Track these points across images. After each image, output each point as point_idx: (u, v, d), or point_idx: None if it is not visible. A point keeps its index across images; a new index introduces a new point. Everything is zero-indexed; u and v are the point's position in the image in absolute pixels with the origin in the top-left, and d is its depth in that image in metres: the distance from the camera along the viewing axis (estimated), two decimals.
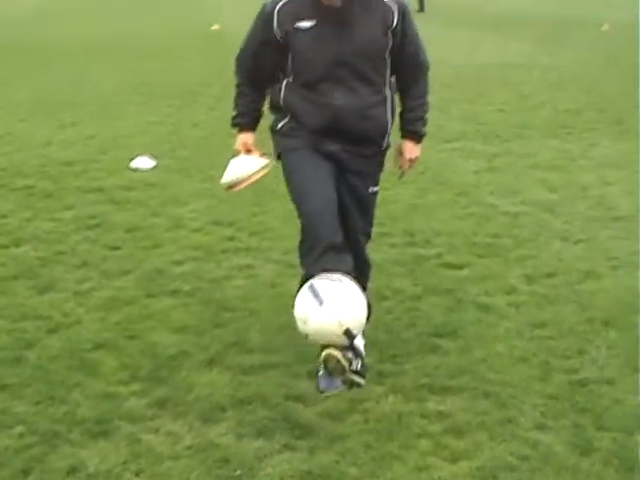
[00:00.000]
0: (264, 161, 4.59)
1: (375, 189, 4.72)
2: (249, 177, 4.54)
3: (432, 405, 4.33)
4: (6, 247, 6.78)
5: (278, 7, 4.42)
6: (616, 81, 15.39)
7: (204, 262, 6.37)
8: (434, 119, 11.64)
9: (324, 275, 4.12)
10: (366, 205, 4.71)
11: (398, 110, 4.70)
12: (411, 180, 8.51)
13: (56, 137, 10.82)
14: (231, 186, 4.58)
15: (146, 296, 5.75)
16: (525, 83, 15.61)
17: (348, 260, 4.37)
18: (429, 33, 22.98)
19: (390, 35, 4.41)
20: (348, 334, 3.98)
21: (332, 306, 3.97)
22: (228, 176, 4.56)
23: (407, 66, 4.57)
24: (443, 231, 7.08)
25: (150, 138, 10.47)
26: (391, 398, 4.40)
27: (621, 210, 7.71)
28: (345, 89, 4.42)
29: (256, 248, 6.62)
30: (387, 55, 4.46)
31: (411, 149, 4.75)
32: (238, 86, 4.68)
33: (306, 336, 4.08)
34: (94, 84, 15.34)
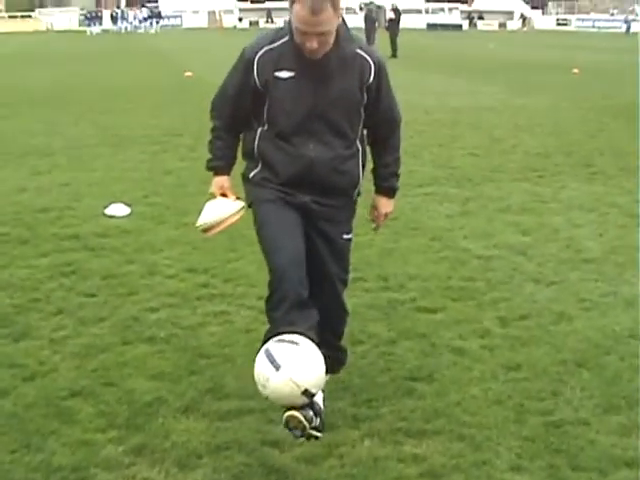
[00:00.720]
0: (239, 204, 4.56)
1: (348, 236, 4.73)
2: (224, 220, 4.50)
3: (408, 448, 4.36)
4: None
5: (259, 55, 4.40)
6: (584, 124, 15.61)
7: (179, 309, 6.37)
8: (407, 165, 11.76)
9: (281, 337, 4.13)
10: (340, 252, 4.71)
11: (369, 162, 4.72)
12: (385, 225, 8.58)
13: (30, 184, 10.80)
14: (206, 229, 4.52)
15: (122, 343, 5.74)
16: (496, 126, 15.81)
17: (313, 315, 4.39)
18: (401, 78, 23.39)
19: (365, 90, 4.43)
20: (307, 394, 4.00)
21: (289, 370, 3.97)
22: (203, 219, 4.50)
23: (381, 121, 4.61)
24: (417, 275, 7.12)
25: (124, 185, 10.49)
26: (367, 442, 4.42)
27: (591, 252, 7.81)
28: (319, 142, 4.41)
29: (231, 294, 6.64)
30: (362, 110, 4.48)
31: (386, 204, 4.87)
32: (213, 130, 4.66)
33: (266, 398, 4.10)
34: (66, 132, 15.37)
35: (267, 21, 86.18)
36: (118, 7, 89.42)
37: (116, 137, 14.46)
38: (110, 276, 7.13)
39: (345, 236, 4.70)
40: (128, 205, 9.25)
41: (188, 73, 25.77)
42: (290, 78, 4.35)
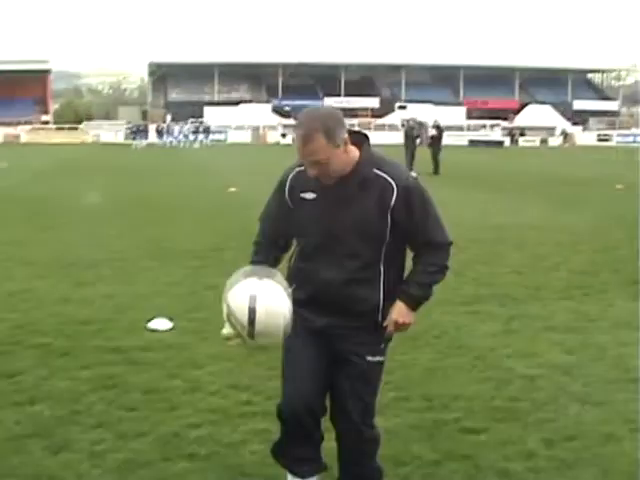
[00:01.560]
0: None
1: (375, 359, 4.69)
2: (238, 334, 4.50)
3: None
4: (21, 405, 6.73)
5: (291, 176, 4.62)
6: (630, 241, 15.49)
7: (221, 426, 6.28)
8: (449, 282, 11.72)
9: None
10: (362, 374, 4.68)
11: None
12: (428, 344, 8.55)
13: (73, 295, 10.88)
14: (228, 338, 4.58)
15: (162, 459, 5.68)
16: (540, 244, 15.74)
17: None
18: (443, 195, 23.50)
19: (389, 213, 4.43)
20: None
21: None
22: (225, 329, 4.57)
23: (419, 244, 4.59)
24: (461, 395, 7.01)
25: (167, 299, 10.51)
26: None
27: (638, 371, 7.66)
28: (334, 264, 4.50)
29: (272, 412, 6.50)
30: (386, 233, 4.46)
31: (399, 310, 4.62)
32: (254, 243, 4.84)
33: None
34: (110, 245, 15.51)
35: None
36: (164, 121, 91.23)
37: (159, 250, 14.56)
38: (151, 391, 7.08)
39: (370, 358, 4.66)
40: (171, 319, 9.25)
41: (232, 189, 26.05)
42: (313, 200, 4.52)
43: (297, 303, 4.50)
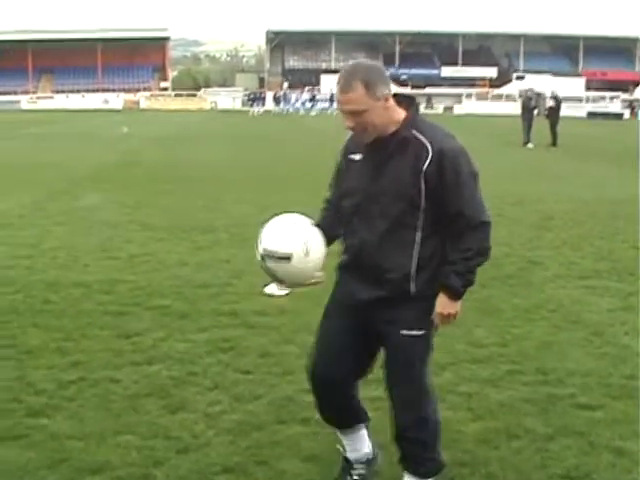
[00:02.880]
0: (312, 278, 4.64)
1: (410, 332, 4.51)
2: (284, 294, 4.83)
3: None
4: (139, 365, 6.91)
5: (347, 139, 4.67)
6: None
7: None
8: (566, 256, 11.57)
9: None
10: (398, 348, 4.59)
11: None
12: (543, 317, 8.46)
13: (191, 259, 11.07)
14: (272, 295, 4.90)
15: (276, 422, 5.76)
16: None
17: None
18: (561, 168, 23.16)
19: (423, 177, 4.30)
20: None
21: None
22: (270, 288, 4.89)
23: (448, 216, 4.37)
24: (576, 371, 6.92)
25: None
26: None
27: None
28: (369, 226, 4.45)
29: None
30: (422, 198, 4.32)
31: (442, 303, 4.46)
32: (325, 203, 4.92)
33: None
34: (228, 209, 15.73)
35: (427, 107, 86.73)
36: (281, 89, 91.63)
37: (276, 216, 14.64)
38: (267, 354, 7.19)
39: (405, 332, 4.51)
40: None
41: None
42: (359, 161, 4.51)
43: (339, 268, 4.67)
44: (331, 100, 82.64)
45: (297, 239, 4.50)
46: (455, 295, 4.44)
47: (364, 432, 5.01)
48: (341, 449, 5.01)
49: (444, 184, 4.28)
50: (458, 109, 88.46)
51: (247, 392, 6.29)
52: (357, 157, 4.52)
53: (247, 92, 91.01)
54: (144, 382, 6.49)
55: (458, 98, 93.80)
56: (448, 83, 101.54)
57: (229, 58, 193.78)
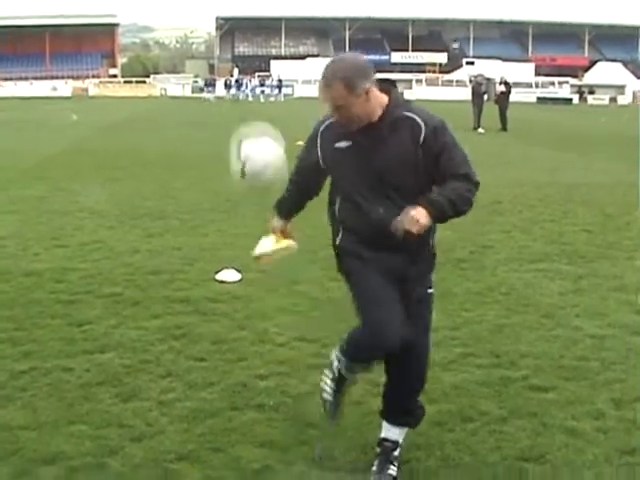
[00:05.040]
0: (285, 243, 5.24)
1: (431, 290, 4.91)
2: (270, 254, 5.26)
3: None
4: (91, 353, 6.85)
5: (321, 129, 4.83)
6: None
7: (289, 377, 6.32)
8: (517, 240, 11.67)
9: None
10: (424, 305, 4.90)
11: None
12: (496, 301, 8.51)
13: (142, 246, 11.00)
14: (258, 258, 5.31)
15: (230, 409, 5.73)
16: (609, 203, 15.51)
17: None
18: (511, 152, 23.37)
19: (420, 150, 4.54)
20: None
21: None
22: (256, 250, 5.29)
23: (447, 176, 4.58)
24: (529, 353, 6.97)
25: (235, 251, 10.54)
26: None
27: None
28: (383, 201, 4.63)
29: None
30: (421, 169, 4.57)
31: (418, 210, 4.44)
32: (289, 182, 5.16)
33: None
34: (179, 196, 15.67)
35: None
36: (231, 75, 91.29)
37: (228, 203, 14.61)
38: (220, 341, 7.15)
39: (429, 290, 4.90)
40: (239, 271, 9.31)
41: (299, 142, 25.96)
42: (348, 147, 4.67)
43: (356, 242, 4.76)
44: (279, 87, 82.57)
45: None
46: (431, 208, 4.47)
47: None
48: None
49: (444, 152, 4.55)
50: (408, 94, 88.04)
51: (200, 379, 6.26)
52: (344, 144, 4.68)
53: (197, 78, 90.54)
54: (96, 370, 6.43)
55: (409, 84, 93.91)
56: (398, 69, 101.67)
57: (179, 45, 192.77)
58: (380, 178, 4.62)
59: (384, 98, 4.63)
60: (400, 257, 4.71)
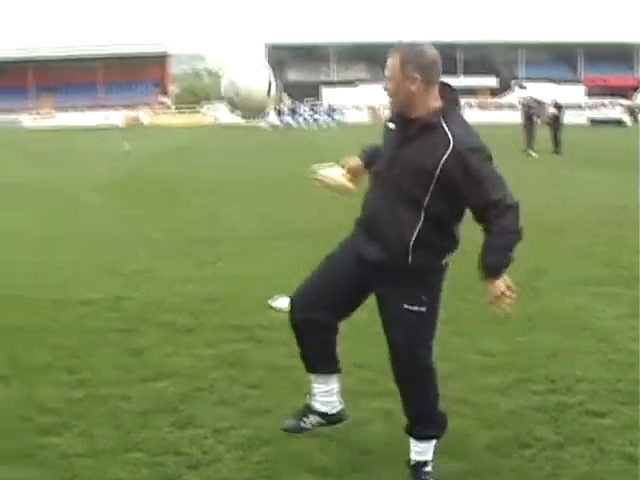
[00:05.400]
0: (347, 183, 5.33)
1: (412, 308, 4.82)
2: (330, 181, 5.34)
3: None
4: (147, 381, 6.89)
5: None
6: None
7: (345, 404, 6.31)
8: (572, 263, 11.54)
9: None
10: (399, 320, 4.89)
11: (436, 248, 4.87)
12: (551, 325, 8.44)
13: (195, 274, 11.06)
14: (317, 176, 5.35)
15: (285, 436, 5.70)
16: None
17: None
18: (564, 175, 23.07)
19: (439, 168, 4.56)
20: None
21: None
22: (322, 170, 5.38)
23: (480, 207, 4.66)
24: (585, 378, 6.89)
25: (290, 279, 10.49)
26: None
27: None
28: (384, 192, 4.80)
29: (396, 392, 6.50)
30: (433, 184, 4.60)
31: (488, 289, 4.74)
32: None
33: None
34: (230, 223, 15.73)
35: None
36: (281, 102, 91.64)
37: (282, 230, 14.67)
38: (274, 369, 7.15)
39: (406, 306, 4.82)
40: None
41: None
42: (392, 130, 4.89)
43: (355, 222, 5.11)
44: (330, 113, 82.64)
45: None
46: (494, 273, 4.67)
47: (335, 386, 5.40)
48: (308, 396, 5.45)
49: (466, 179, 4.55)
50: None
51: (255, 406, 6.26)
52: (391, 126, 4.90)
53: None
54: (152, 398, 6.47)
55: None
56: None
57: None
58: (392, 171, 4.75)
59: (435, 101, 4.74)
60: (377, 255, 4.85)
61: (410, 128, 4.71)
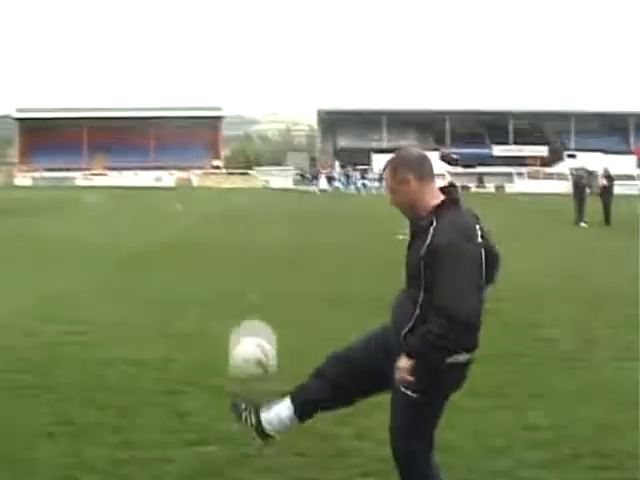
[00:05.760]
0: None
1: (406, 391, 4.97)
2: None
3: None
4: (193, 444, 6.89)
5: None
6: None
7: (389, 475, 6.20)
8: (621, 335, 11.39)
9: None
10: (396, 399, 5.11)
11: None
12: (601, 398, 8.32)
13: None
14: None
15: None
16: None
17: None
18: (615, 246, 22.83)
19: (422, 263, 4.87)
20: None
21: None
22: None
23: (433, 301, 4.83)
24: (636, 453, 6.74)
25: (337, 346, 10.48)
26: None
27: None
28: (402, 295, 5.16)
29: (445, 464, 6.41)
30: (421, 277, 4.90)
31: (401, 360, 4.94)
32: None
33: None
34: (282, 289, 15.72)
35: (478, 186, 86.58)
36: (331, 167, 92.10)
37: (330, 296, 14.64)
38: (321, 437, 7.10)
39: (402, 389, 4.98)
40: None
41: (399, 236, 25.89)
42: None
43: None
44: (379, 179, 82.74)
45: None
46: (410, 354, 4.89)
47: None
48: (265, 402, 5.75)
49: (436, 276, 4.80)
50: (509, 188, 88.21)
51: (302, 475, 6.24)
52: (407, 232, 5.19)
53: (299, 171, 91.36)
54: (198, 462, 6.46)
55: (509, 177, 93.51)
56: (500, 162, 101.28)
57: (280, 138, 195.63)
58: (408, 273, 5.07)
59: (434, 199, 5.07)
60: (395, 345, 5.07)
61: (413, 230, 5.09)
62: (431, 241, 4.83)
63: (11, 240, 25.24)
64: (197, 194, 68.51)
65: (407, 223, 5.16)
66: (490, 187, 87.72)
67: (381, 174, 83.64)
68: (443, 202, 5.03)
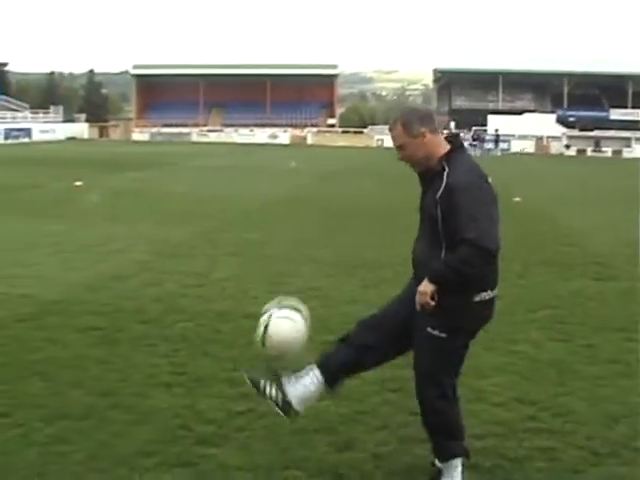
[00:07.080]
0: None
1: (434, 332, 5.15)
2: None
3: None
4: None
5: None
6: None
7: (505, 439, 6.17)
8: None
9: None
10: (422, 342, 5.26)
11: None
12: None
13: (360, 296, 11.05)
14: None
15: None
16: None
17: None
18: None
19: (438, 206, 4.97)
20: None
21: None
22: None
23: (454, 238, 4.92)
24: None
25: None
26: None
27: None
28: (421, 238, 5.31)
29: (559, 431, 6.34)
30: (439, 222, 4.99)
31: (422, 283, 5.09)
32: None
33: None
34: (396, 248, 15.65)
35: (595, 150, 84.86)
36: (448, 129, 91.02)
37: None
38: None
39: (429, 329, 5.16)
40: None
41: (517, 199, 25.59)
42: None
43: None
44: (496, 141, 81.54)
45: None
46: (433, 278, 5.03)
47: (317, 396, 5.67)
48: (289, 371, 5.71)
49: (453, 213, 4.91)
50: (627, 153, 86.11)
51: (416, 434, 6.16)
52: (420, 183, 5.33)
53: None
54: (312, 417, 6.45)
55: (627, 141, 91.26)
56: (617, 126, 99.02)
57: (395, 97, 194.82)
58: (422, 219, 5.27)
59: (443, 148, 5.15)
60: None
61: (425, 180, 5.21)
62: (447, 183, 4.95)
63: (129, 193, 25.69)
64: (311, 152, 68.63)
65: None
66: (607, 152, 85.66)
67: (497, 135, 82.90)
68: (451, 149, 5.14)
